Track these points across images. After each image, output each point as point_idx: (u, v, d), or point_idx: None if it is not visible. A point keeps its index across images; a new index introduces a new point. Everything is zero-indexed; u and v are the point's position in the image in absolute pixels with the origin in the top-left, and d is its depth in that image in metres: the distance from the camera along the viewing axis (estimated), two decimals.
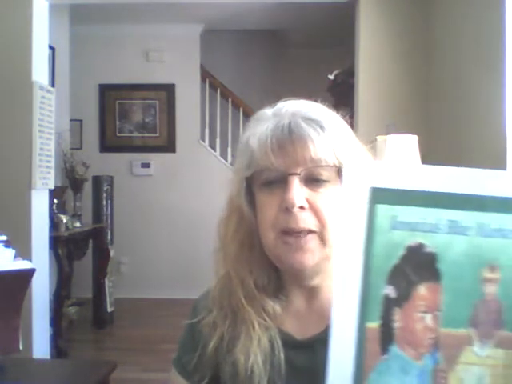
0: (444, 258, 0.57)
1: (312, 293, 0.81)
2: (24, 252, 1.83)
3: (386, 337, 0.58)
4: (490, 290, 0.57)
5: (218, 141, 5.61)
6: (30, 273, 1.62)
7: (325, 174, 0.76)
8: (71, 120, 5.08)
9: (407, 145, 2.48)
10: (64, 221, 3.91)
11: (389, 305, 0.58)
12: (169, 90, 5.62)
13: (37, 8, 3.24)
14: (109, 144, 5.66)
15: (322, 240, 0.75)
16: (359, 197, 0.58)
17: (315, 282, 0.80)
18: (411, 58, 3.31)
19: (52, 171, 3.41)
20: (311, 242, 0.75)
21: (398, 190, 0.58)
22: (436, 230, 0.57)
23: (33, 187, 3.19)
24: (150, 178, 5.61)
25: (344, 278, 0.58)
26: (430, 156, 2.71)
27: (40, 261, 3.17)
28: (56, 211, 3.98)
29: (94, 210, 4.60)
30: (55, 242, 3.67)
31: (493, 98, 2.45)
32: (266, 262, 0.81)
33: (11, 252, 1.60)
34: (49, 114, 3.35)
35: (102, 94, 5.65)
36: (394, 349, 0.58)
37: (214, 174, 5.30)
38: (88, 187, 4.67)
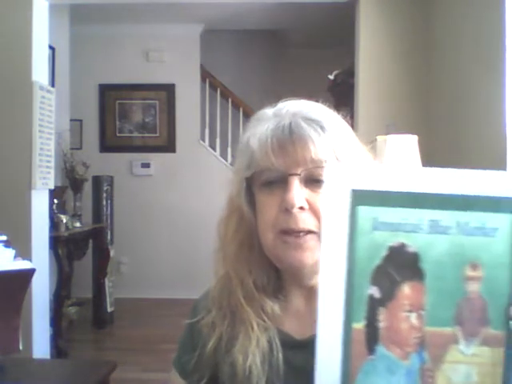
0: (426, 257, 0.58)
1: (311, 293, 0.81)
2: (24, 252, 1.83)
3: (372, 337, 0.58)
4: (473, 288, 0.58)
5: (217, 141, 5.61)
6: (29, 273, 1.62)
7: None
8: (71, 120, 5.08)
9: (407, 145, 2.48)
10: (64, 221, 3.91)
11: (373, 305, 0.58)
12: (169, 90, 5.62)
13: (37, 8, 3.24)
14: (109, 144, 5.66)
15: None
16: (340, 199, 0.59)
17: (314, 281, 0.80)
18: (411, 58, 3.31)
19: (52, 171, 3.41)
20: (310, 241, 0.75)
21: (378, 191, 0.58)
22: (417, 230, 0.58)
23: (33, 187, 3.19)
24: (150, 178, 5.61)
25: (328, 280, 0.58)
26: (429, 156, 2.71)
27: (40, 261, 3.17)
28: (56, 211, 3.98)
29: (94, 210, 4.60)
30: (55, 242, 3.67)
31: (493, 98, 2.45)
32: (265, 262, 0.81)
33: (11, 252, 1.60)
34: (49, 114, 3.35)
35: (102, 94, 5.66)
36: (381, 349, 0.58)
37: (213, 174, 5.30)
38: (88, 187, 4.67)
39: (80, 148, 5.35)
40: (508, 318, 0.57)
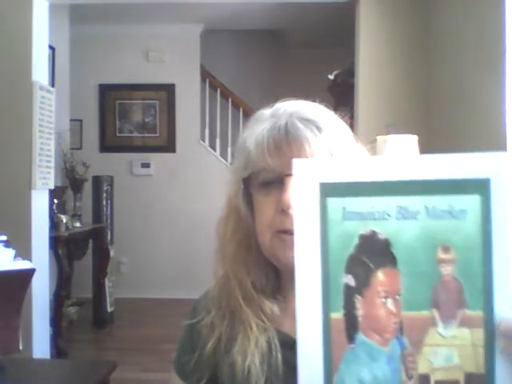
0: (397, 243, 0.59)
1: None
2: (24, 252, 1.83)
3: (351, 326, 0.59)
4: (447, 270, 0.58)
5: (217, 141, 5.62)
6: (29, 273, 1.62)
7: None
8: (71, 120, 5.08)
9: (407, 145, 2.49)
10: (64, 221, 3.91)
11: (350, 293, 0.59)
12: (169, 90, 5.62)
13: (37, 8, 3.24)
14: (109, 144, 5.66)
15: None
16: (310, 193, 0.60)
17: None
18: (411, 58, 3.31)
19: (52, 171, 3.41)
20: None
21: (345, 182, 0.60)
22: (386, 217, 0.59)
23: (33, 187, 3.19)
24: (150, 178, 5.62)
25: (304, 272, 0.59)
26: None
27: (40, 261, 3.17)
28: (56, 211, 3.98)
29: (94, 210, 4.60)
30: (55, 242, 3.67)
31: (493, 98, 2.45)
32: (263, 262, 0.82)
33: (11, 252, 1.60)
34: (49, 114, 3.35)
35: (102, 93, 5.66)
36: (360, 337, 0.59)
37: (214, 173, 5.30)
38: (88, 187, 4.67)
39: (80, 148, 5.35)
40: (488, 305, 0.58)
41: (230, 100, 5.72)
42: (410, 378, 0.59)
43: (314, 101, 0.83)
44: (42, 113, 3.25)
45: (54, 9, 3.58)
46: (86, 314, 4.47)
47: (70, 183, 4.67)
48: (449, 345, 0.58)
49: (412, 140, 2.52)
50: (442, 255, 0.58)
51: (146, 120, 5.69)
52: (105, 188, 4.62)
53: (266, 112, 0.82)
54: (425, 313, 0.58)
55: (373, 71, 3.32)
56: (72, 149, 4.89)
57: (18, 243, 1.72)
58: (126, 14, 5.04)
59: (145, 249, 5.54)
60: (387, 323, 0.59)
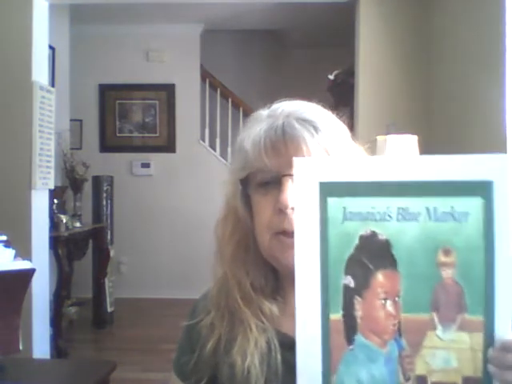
0: (397, 244, 0.58)
1: None
2: (24, 252, 1.83)
3: (350, 327, 0.59)
4: (448, 273, 0.58)
5: (217, 141, 5.61)
6: (29, 273, 1.62)
7: None
8: (71, 120, 5.08)
9: (407, 145, 2.48)
10: (64, 221, 3.91)
11: (349, 295, 0.59)
12: (169, 90, 5.62)
13: (37, 8, 3.24)
14: (109, 144, 5.66)
15: None
16: (310, 192, 0.60)
17: None
18: (411, 57, 3.31)
19: (52, 171, 3.41)
20: None
21: (345, 182, 0.59)
22: (387, 218, 0.58)
23: (33, 187, 3.19)
24: (149, 178, 5.61)
25: (304, 273, 0.59)
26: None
27: (40, 261, 3.17)
28: (56, 211, 3.98)
29: (94, 210, 4.60)
30: (55, 242, 3.67)
31: (493, 98, 2.45)
32: (262, 263, 0.82)
33: (11, 252, 1.60)
34: (49, 114, 3.35)
35: (102, 93, 5.65)
36: (359, 338, 0.59)
37: (213, 174, 5.30)
38: (88, 187, 4.67)
39: (80, 148, 5.35)
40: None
41: (229, 100, 5.71)
42: (407, 379, 0.58)
43: (311, 101, 0.83)
44: (42, 113, 3.25)
45: (53, 9, 3.58)
46: (86, 314, 4.47)
47: (70, 183, 4.67)
48: (447, 348, 0.58)
49: (412, 140, 2.52)
50: (442, 258, 0.58)
51: (146, 120, 5.69)
52: (105, 188, 4.62)
53: (264, 112, 0.82)
54: (424, 315, 0.58)
55: (373, 71, 3.32)
56: (72, 149, 4.88)
57: (18, 243, 1.72)
58: (126, 14, 5.04)
59: (145, 249, 5.54)
60: (386, 325, 0.58)
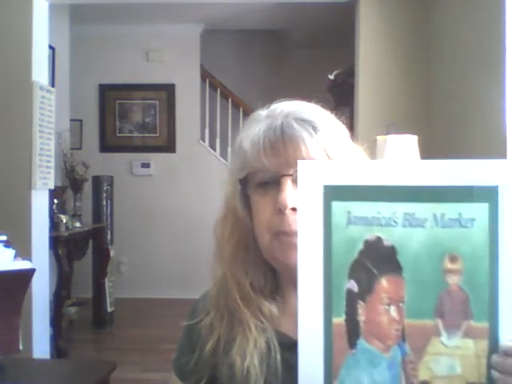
0: (403, 250, 0.57)
1: None
2: (24, 252, 1.83)
3: (353, 331, 0.58)
4: (453, 280, 0.57)
5: (217, 141, 5.61)
6: (29, 273, 1.62)
7: None
8: (71, 120, 5.08)
9: (407, 145, 2.48)
10: (64, 221, 3.91)
11: (352, 299, 0.58)
12: (169, 90, 5.62)
13: (37, 8, 3.24)
14: (109, 144, 5.66)
15: None
16: (314, 195, 0.59)
17: None
18: (411, 57, 3.31)
19: (52, 171, 3.41)
20: None
21: (350, 186, 0.59)
22: (392, 224, 0.58)
23: (33, 187, 3.19)
24: (149, 178, 5.61)
25: (306, 276, 0.58)
26: (430, 156, 2.71)
27: (40, 261, 3.17)
28: (56, 211, 3.98)
29: (94, 210, 4.60)
30: (55, 242, 3.67)
31: (493, 98, 2.45)
32: (261, 263, 0.82)
33: (11, 252, 1.60)
34: (49, 114, 3.35)
35: (102, 93, 5.65)
36: (362, 342, 0.58)
37: (213, 173, 5.30)
38: (88, 187, 4.67)
39: (80, 148, 5.35)
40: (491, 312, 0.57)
41: (229, 100, 5.71)
42: None
43: (310, 101, 0.83)
44: (42, 113, 3.25)
45: (53, 9, 3.58)
46: (86, 314, 4.47)
47: (70, 183, 4.67)
48: (451, 354, 0.57)
49: (412, 140, 2.52)
50: (449, 265, 0.57)
51: (146, 120, 5.69)
52: (105, 188, 4.62)
53: (262, 113, 0.82)
54: (428, 322, 0.58)
55: (373, 71, 3.32)
56: (72, 149, 4.88)
57: (18, 243, 1.72)
58: (126, 14, 5.04)
59: (145, 249, 5.53)
60: (389, 330, 0.58)
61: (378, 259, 0.58)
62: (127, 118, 5.69)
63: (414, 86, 3.30)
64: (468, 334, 0.57)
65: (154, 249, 5.54)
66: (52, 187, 3.46)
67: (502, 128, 2.36)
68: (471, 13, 2.78)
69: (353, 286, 0.58)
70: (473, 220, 0.57)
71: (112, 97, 5.65)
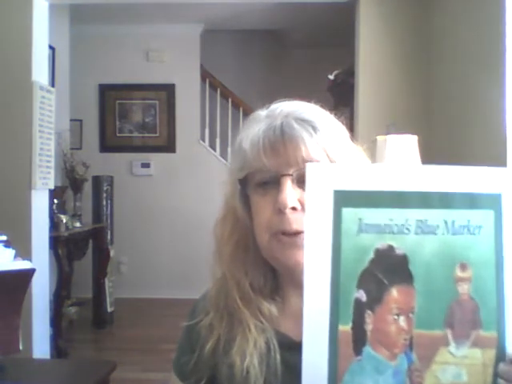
0: (415, 259, 0.56)
1: None
2: (24, 252, 1.83)
3: (359, 339, 0.57)
4: (464, 289, 0.56)
5: (217, 141, 5.61)
6: (29, 273, 1.62)
7: None
8: (71, 120, 5.08)
9: (407, 145, 2.48)
10: (64, 221, 3.91)
11: (360, 308, 0.57)
12: (169, 90, 5.62)
13: (37, 8, 3.24)
14: (109, 144, 5.66)
15: None
16: (323, 201, 0.56)
17: None
18: (411, 57, 3.31)
19: (52, 171, 3.41)
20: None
21: (362, 191, 0.56)
22: (405, 231, 0.56)
23: (33, 187, 3.19)
24: (149, 178, 5.61)
25: (313, 284, 0.57)
26: (430, 156, 2.71)
27: (40, 261, 3.17)
28: (56, 211, 3.98)
29: (94, 210, 4.60)
30: (55, 242, 3.67)
31: (493, 98, 2.45)
32: (261, 263, 0.81)
33: (11, 252, 1.60)
34: (49, 114, 3.35)
35: (102, 93, 5.65)
36: (368, 350, 0.57)
37: (213, 173, 5.30)
38: (88, 187, 4.67)
39: (80, 148, 5.35)
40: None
41: (229, 100, 5.71)
42: None
43: (310, 101, 0.83)
44: (42, 113, 3.25)
45: (53, 9, 3.58)
46: (86, 314, 4.46)
47: (70, 183, 4.67)
48: (459, 364, 0.57)
49: (412, 140, 2.52)
50: (460, 273, 0.56)
51: (146, 120, 5.69)
52: (105, 188, 4.62)
53: (262, 113, 0.82)
54: (437, 332, 0.57)
55: (373, 71, 3.32)
56: (72, 149, 4.88)
57: (18, 243, 1.72)
58: (126, 14, 5.04)
59: (145, 249, 5.53)
60: (397, 339, 0.57)
61: (389, 268, 0.56)
62: (127, 118, 5.69)
63: (414, 85, 3.30)
64: (476, 344, 0.57)
65: (154, 249, 5.54)
66: (52, 187, 3.46)
67: (502, 128, 2.35)
68: (471, 13, 2.78)
69: (361, 295, 0.57)
70: (480, 227, 0.56)
71: (112, 97, 5.65)
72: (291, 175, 0.75)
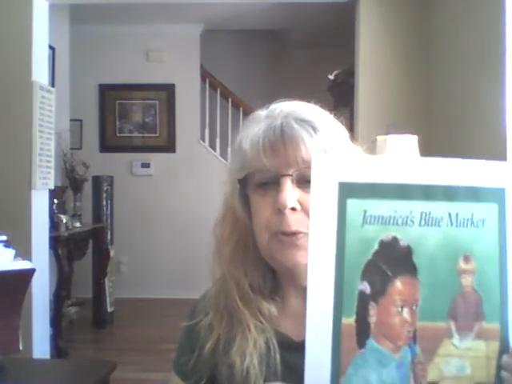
0: (419, 250, 0.56)
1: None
2: (24, 252, 1.83)
3: (363, 331, 0.57)
4: (467, 281, 0.57)
5: (217, 141, 5.61)
6: (29, 273, 1.62)
7: None
8: (71, 120, 5.08)
9: (407, 145, 2.48)
10: (64, 221, 3.91)
11: (364, 300, 0.57)
12: (169, 90, 5.62)
13: (37, 8, 3.24)
14: (109, 144, 5.66)
15: None
16: (328, 192, 0.57)
17: None
18: (411, 57, 3.31)
19: (52, 171, 3.41)
20: (303, 239, 0.74)
21: (367, 183, 0.57)
22: (409, 223, 0.56)
23: (33, 187, 3.19)
24: (149, 178, 5.61)
25: (317, 275, 0.57)
26: (430, 156, 2.71)
27: (40, 261, 3.17)
28: (56, 211, 3.98)
29: (94, 210, 4.60)
30: (55, 242, 3.67)
31: (493, 98, 2.45)
32: (261, 263, 0.82)
33: (11, 252, 1.60)
34: (49, 114, 3.35)
35: (102, 93, 5.65)
36: (371, 342, 0.57)
37: (213, 173, 5.30)
38: (88, 187, 4.67)
39: (80, 148, 5.35)
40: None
41: (230, 100, 5.71)
42: None
43: (309, 101, 0.83)
44: (42, 113, 3.25)
45: (53, 9, 3.58)
46: (86, 314, 4.46)
47: (70, 183, 4.67)
48: (462, 356, 0.57)
49: (412, 140, 2.52)
50: (463, 265, 0.56)
51: (146, 120, 5.69)
52: (105, 188, 4.62)
53: (262, 113, 0.82)
54: (441, 324, 0.57)
55: (373, 71, 3.32)
56: (72, 149, 4.88)
57: (18, 243, 1.72)
58: (126, 14, 5.04)
59: (145, 249, 5.53)
60: (401, 331, 0.57)
61: (393, 260, 0.56)
62: (127, 118, 5.69)
63: (414, 85, 3.30)
64: (480, 336, 0.57)
65: (154, 249, 5.54)
66: (52, 187, 3.46)
67: (502, 128, 2.35)
68: (471, 13, 2.78)
69: (365, 287, 0.57)
70: (483, 220, 0.57)
71: (112, 97, 5.65)
72: (291, 175, 0.75)
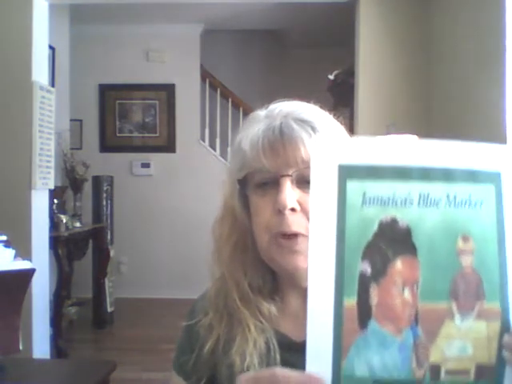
0: (418, 231, 0.57)
1: (307, 294, 0.81)
2: (24, 252, 1.83)
3: (364, 313, 0.57)
4: (467, 261, 0.57)
5: (217, 141, 5.62)
6: (29, 273, 1.62)
7: None
8: (71, 120, 5.08)
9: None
10: (64, 221, 3.91)
11: (365, 281, 0.57)
12: (169, 90, 5.62)
13: (37, 8, 3.24)
14: (109, 144, 5.66)
15: None
16: (328, 175, 0.57)
17: None
18: (411, 57, 3.31)
19: (52, 171, 3.41)
20: (302, 243, 0.74)
21: (366, 165, 0.57)
22: (408, 204, 0.57)
23: (33, 187, 3.19)
24: (149, 178, 5.62)
25: (318, 258, 0.57)
26: None
27: (40, 261, 3.17)
28: (56, 211, 3.98)
29: (94, 210, 4.60)
30: (55, 242, 3.67)
31: (493, 98, 2.45)
32: (260, 263, 0.81)
33: (11, 252, 1.60)
34: (49, 114, 3.35)
35: (102, 94, 5.66)
36: (373, 324, 0.57)
37: (213, 173, 5.30)
38: (88, 187, 4.67)
39: (80, 148, 5.35)
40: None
41: (230, 100, 5.71)
42: (420, 366, 0.58)
43: (309, 101, 0.83)
44: (42, 113, 3.25)
45: (53, 9, 3.58)
46: (86, 314, 4.47)
47: (70, 183, 4.67)
48: (464, 337, 0.57)
49: None
50: (462, 246, 0.57)
51: (146, 120, 5.69)
52: (105, 188, 4.62)
53: (261, 113, 0.82)
54: (442, 304, 0.57)
55: (373, 71, 3.32)
56: (72, 149, 4.89)
57: (18, 243, 1.72)
58: (125, 13, 5.04)
59: (145, 249, 5.54)
60: (402, 312, 0.57)
61: (393, 240, 0.57)
62: (127, 117, 5.70)
63: (414, 85, 3.30)
64: (481, 316, 0.57)
65: (153, 249, 5.54)
66: (52, 187, 3.46)
67: (502, 128, 2.36)
68: (471, 13, 2.78)
69: (366, 268, 0.57)
70: (481, 202, 0.57)
71: (112, 97, 5.65)
72: (290, 176, 0.75)
